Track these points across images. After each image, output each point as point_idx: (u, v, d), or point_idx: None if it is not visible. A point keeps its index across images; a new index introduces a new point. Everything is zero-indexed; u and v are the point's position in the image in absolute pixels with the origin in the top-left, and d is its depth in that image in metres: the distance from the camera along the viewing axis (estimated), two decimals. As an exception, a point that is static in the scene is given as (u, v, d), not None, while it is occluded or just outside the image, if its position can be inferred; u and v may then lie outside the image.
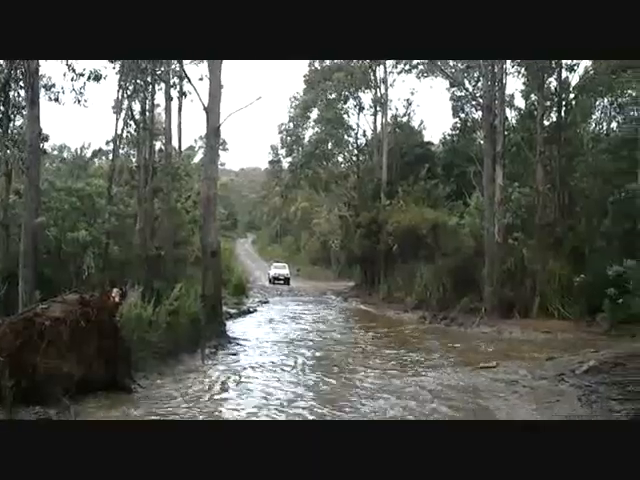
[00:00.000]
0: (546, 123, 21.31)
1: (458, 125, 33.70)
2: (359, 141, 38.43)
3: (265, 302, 26.41)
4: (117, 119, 19.78)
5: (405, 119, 37.69)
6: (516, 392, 9.36)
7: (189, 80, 18.35)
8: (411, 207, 27.60)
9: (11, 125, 17.05)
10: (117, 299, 9.33)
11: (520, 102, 25.68)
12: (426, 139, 37.60)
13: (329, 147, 39.56)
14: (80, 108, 17.21)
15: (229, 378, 10.35)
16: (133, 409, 7.92)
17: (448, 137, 35.13)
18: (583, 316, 16.44)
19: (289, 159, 41.06)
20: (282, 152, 41.74)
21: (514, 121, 25.66)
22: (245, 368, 11.31)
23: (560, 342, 14.09)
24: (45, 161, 25.88)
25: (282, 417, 7.39)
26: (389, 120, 35.76)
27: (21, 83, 15.44)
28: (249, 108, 18.30)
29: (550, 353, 12.47)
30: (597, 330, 15.12)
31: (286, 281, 40.76)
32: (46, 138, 20.49)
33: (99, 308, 8.83)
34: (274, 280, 40.71)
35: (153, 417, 7.39)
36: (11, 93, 16.85)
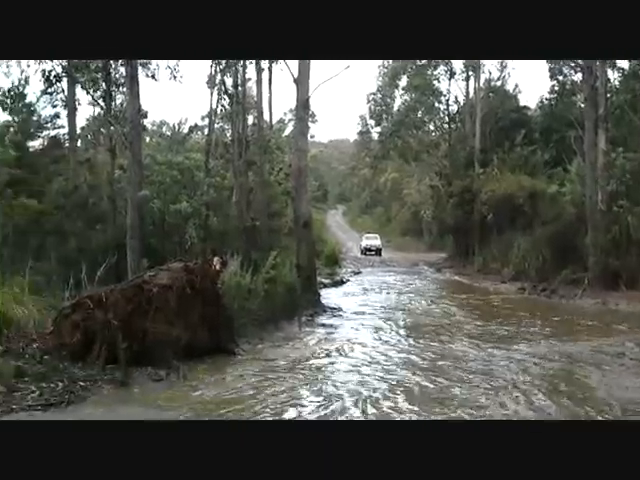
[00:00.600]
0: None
1: (556, 88, 31.90)
2: (450, 108, 37.36)
3: (357, 272, 26.57)
4: (211, 94, 20.29)
5: (499, 83, 36.17)
6: (623, 365, 8.94)
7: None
8: (506, 175, 26.61)
9: (112, 103, 17.91)
10: (218, 267, 9.67)
11: (623, 62, 23.92)
12: (522, 103, 35.88)
13: (419, 115, 38.73)
14: (176, 84, 17.82)
15: (328, 344, 10.56)
16: (238, 370, 8.25)
17: (546, 101, 33.34)
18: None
19: (378, 129, 40.63)
20: (371, 122, 41.35)
21: (617, 82, 23.97)
22: (341, 335, 11.47)
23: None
24: (145, 137, 27.10)
25: (383, 385, 7.50)
26: (482, 85, 34.44)
27: (120, 61, 16.09)
28: (337, 78, 18.20)
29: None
30: None
31: (378, 252, 40.72)
32: (145, 115, 21.43)
33: (202, 276, 9.19)
34: (366, 251, 40.79)
35: (255, 379, 7.67)
36: (112, 71, 17.65)
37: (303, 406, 6.65)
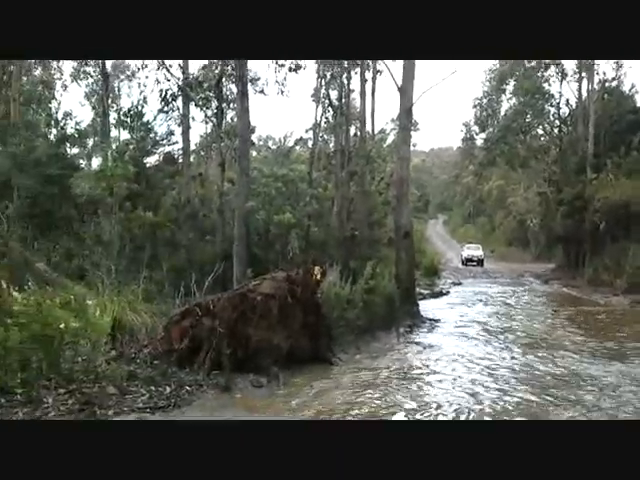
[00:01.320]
0: None
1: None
2: (561, 111, 35.85)
3: (458, 284, 26.01)
4: (317, 107, 20.79)
5: (614, 83, 34.18)
6: None
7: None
8: (622, 180, 25.08)
9: (224, 120, 18.82)
10: (319, 277, 9.88)
11: None
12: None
13: (527, 119, 37.39)
14: (283, 99, 18.47)
15: (426, 356, 10.50)
16: (335, 380, 8.41)
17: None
18: None
19: (483, 135, 39.68)
20: (475, 129, 40.45)
21: None
22: (440, 348, 11.34)
23: None
24: (253, 151, 28.19)
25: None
26: (596, 86, 32.69)
27: (232, 78, 16.90)
28: (441, 85, 18.04)
29: None
30: None
31: (480, 262, 39.60)
32: (253, 129, 22.35)
33: (304, 285, 9.43)
34: (467, 262, 39.79)
35: (351, 389, 7.79)
36: (223, 89, 18.56)
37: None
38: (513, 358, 10.50)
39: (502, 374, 9.14)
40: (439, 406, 7.06)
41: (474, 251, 41.51)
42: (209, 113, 20.00)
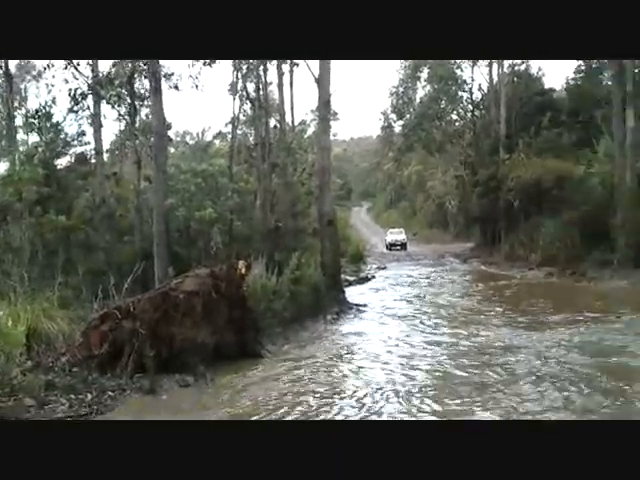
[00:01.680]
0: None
1: (582, 68, 31.32)
2: (474, 96, 37.04)
3: (383, 268, 26.52)
4: (234, 100, 20.52)
5: (523, 67, 35.62)
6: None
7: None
8: (532, 160, 26.23)
9: (137, 117, 18.25)
10: (243, 271, 9.79)
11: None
12: (547, 86, 35.32)
13: (442, 105, 38.46)
14: (199, 94, 18.16)
15: (352, 341, 10.65)
16: (262, 372, 8.38)
17: (572, 81, 32.74)
18: None
19: (401, 122, 40.47)
20: (393, 116, 41.19)
21: (645, 57, 23.36)
22: (366, 331, 11.52)
23: None
24: (170, 147, 27.57)
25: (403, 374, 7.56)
26: (505, 70, 33.98)
27: (144, 74, 16.39)
28: (358, 75, 18.23)
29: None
30: None
31: (403, 246, 40.63)
32: (169, 126, 21.81)
33: (228, 280, 9.33)
34: (391, 246, 40.66)
35: (277, 381, 7.77)
36: (136, 85, 17.98)
37: (327, 404, 6.73)
38: (438, 334, 10.82)
39: (431, 350, 9.43)
40: (374, 388, 7.21)
41: (397, 235, 42.55)
42: (122, 111, 19.38)
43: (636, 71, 19.66)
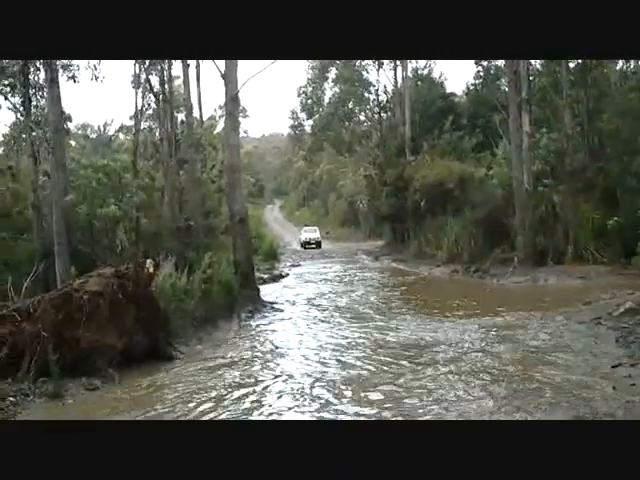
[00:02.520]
0: (572, 65, 20.62)
1: (481, 73, 32.89)
2: (380, 98, 37.83)
3: (297, 266, 26.62)
4: (136, 93, 19.80)
5: (426, 71, 36.90)
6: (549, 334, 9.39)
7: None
8: (437, 161, 27.22)
9: (33, 107, 17.17)
10: (151, 270, 9.49)
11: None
12: (449, 90, 36.83)
13: (350, 106, 39.07)
14: (101, 86, 17.35)
15: (265, 338, 10.60)
16: (172, 374, 8.16)
17: (471, 87, 34.32)
18: (618, 259, 16.16)
19: (310, 122, 40.73)
20: (302, 115, 41.39)
21: (538, 65, 24.86)
22: (279, 328, 11.52)
23: (596, 286, 13.92)
24: (70, 141, 26.21)
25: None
26: (409, 74, 35.03)
27: (38, 64, 15.46)
28: (269, 72, 18.15)
29: (586, 298, 12.35)
30: (633, 272, 14.86)
31: (318, 244, 40.78)
32: (69, 118, 20.69)
33: (135, 280, 9.00)
34: (305, 245, 40.74)
35: (187, 383, 7.60)
36: (30, 75, 16.91)
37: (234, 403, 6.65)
38: (351, 329, 10.97)
39: (347, 343, 9.57)
40: (289, 377, 7.24)
41: (311, 234, 42.48)
42: (15, 101, 18.17)
43: (531, 79, 20.82)
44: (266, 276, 20.40)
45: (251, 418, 5.63)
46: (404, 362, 8.17)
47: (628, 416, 5.57)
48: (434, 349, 8.86)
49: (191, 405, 6.57)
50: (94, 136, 36.67)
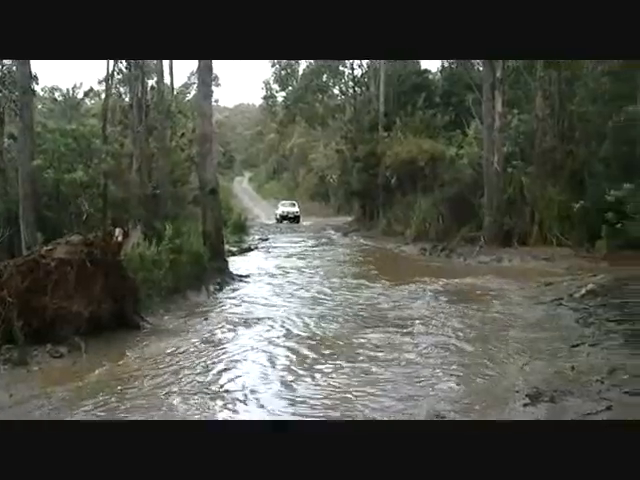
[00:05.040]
0: (546, 47, 20.74)
1: (456, 52, 32.90)
2: (355, 72, 37.63)
3: (265, 239, 26.58)
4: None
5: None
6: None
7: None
8: (409, 138, 27.28)
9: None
10: (120, 238, 9.38)
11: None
12: (423, 67, 36.82)
13: (324, 79, 38.79)
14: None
15: (233, 311, 10.67)
16: (138, 344, 8.16)
17: (446, 64, 34.37)
18: (582, 242, 16.52)
19: (283, 94, 40.35)
20: (275, 87, 40.96)
21: (513, 46, 24.91)
22: (248, 302, 11.56)
23: (559, 268, 14.27)
24: (37, 103, 25.46)
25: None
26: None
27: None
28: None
29: (549, 279, 12.66)
30: (596, 256, 15.24)
31: (296, 219, 38.94)
32: (36, 79, 20.05)
33: (103, 248, 8.91)
34: (282, 219, 39.24)
35: (159, 356, 7.62)
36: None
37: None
38: (320, 302, 11.12)
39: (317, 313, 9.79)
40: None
41: (289, 207, 41.02)
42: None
43: (505, 59, 20.93)
44: (235, 249, 20.32)
45: (251, 418, 5.62)
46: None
47: (585, 394, 5.78)
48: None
49: (158, 373, 6.59)
50: (61, 99, 35.61)
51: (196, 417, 5.33)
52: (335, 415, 5.41)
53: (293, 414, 5.48)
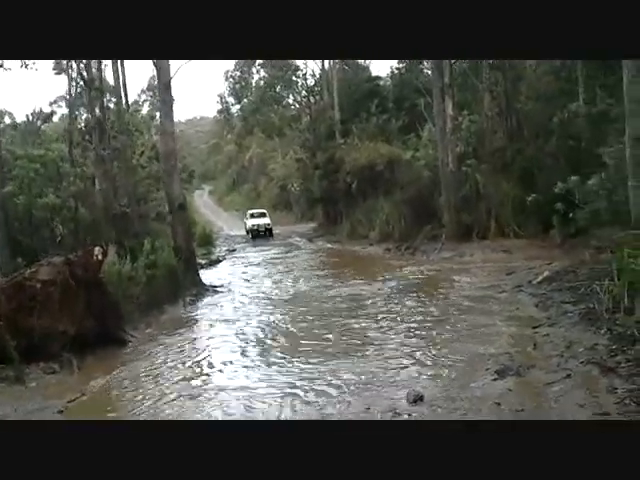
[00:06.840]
0: (490, 50, 21.63)
1: (405, 58, 33.81)
2: (308, 81, 38.29)
3: (232, 250, 26.83)
4: (70, 80, 19.33)
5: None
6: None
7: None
8: (366, 144, 27.94)
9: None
10: (100, 257, 9.66)
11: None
12: (374, 74, 37.70)
13: (278, 90, 39.34)
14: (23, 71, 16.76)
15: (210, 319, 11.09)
16: (129, 355, 8.50)
17: (396, 70, 35.25)
18: (537, 233, 17.31)
19: (238, 106, 40.73)
20: (230, 100, 41.32)
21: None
22: (222, 311, 11.99)
23: (517, 259, 15.06)
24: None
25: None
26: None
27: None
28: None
29: (508, 269, 13.43)
30: (551, 245, 16.05)
31: (268, 232, 33.11)
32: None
33: (85, 267, 9.19)
34: (253, 233, 33.25)
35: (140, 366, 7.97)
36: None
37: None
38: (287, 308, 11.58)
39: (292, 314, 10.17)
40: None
41: (260, 219, 34.70)
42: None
43: (453, 62, 21.78)
44: (204, 261, 20.59)
45: (251, 419, 5.79)
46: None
47: (545, 367, 6.45)
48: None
49: (153, 383, 6.96)
50: (22, 125, 34.93)
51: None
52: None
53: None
